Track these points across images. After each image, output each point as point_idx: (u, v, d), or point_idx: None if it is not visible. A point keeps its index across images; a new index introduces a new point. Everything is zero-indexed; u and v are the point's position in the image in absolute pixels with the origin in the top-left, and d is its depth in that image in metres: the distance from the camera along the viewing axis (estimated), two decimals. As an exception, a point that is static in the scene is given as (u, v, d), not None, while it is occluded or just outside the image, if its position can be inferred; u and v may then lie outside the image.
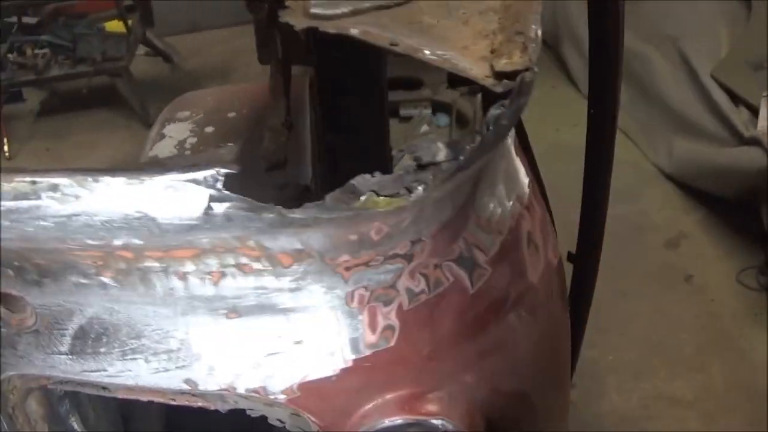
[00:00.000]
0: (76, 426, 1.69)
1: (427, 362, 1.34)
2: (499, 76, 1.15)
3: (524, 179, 1.49)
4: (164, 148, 2.20)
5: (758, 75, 4.60)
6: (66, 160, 6.14)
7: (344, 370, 1.33)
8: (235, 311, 1.31)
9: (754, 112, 4.37)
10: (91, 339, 1.39)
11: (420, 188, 1.10)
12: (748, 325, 4.28)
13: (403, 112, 5.74)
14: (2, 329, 1.41)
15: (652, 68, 5.39)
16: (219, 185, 1.08)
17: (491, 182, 1.36)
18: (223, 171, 1.07)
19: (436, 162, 1.12)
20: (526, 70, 1.13)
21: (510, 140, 1.45)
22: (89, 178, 1.11)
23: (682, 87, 5.07)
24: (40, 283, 1.33)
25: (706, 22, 5.09)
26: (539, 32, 1.21)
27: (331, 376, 1.33)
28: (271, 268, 1.23)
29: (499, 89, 1.13)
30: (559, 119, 5.60)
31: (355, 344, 1.31)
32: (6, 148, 6.19)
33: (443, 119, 5.76)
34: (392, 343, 1.31)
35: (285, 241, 1.16)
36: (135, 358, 1.39)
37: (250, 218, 1.09)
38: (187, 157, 1.14)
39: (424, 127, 5.48)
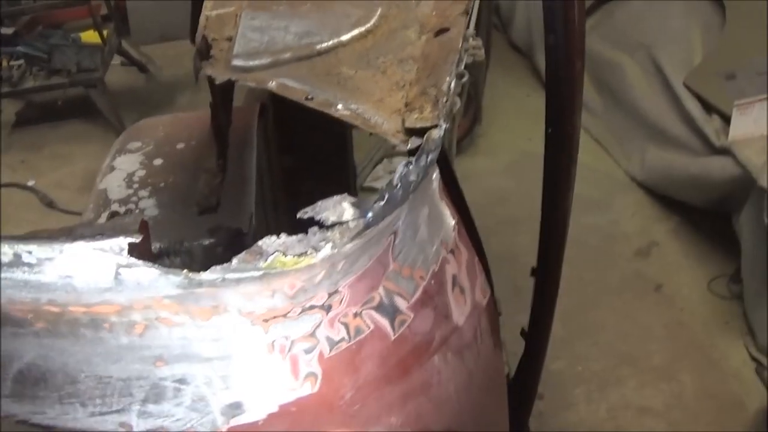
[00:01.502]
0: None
1: (351, 406, 1.36)
2: (410, 132, 1.18)
3: (449, 223, 1.51)
4: (113, 182, 2.21)
5: (730, 84, 4.62)
6: (41, 171, 6.14)
7: (271, 415, 1.35)
8: (161, 360, 1.34)
9: (727, 120, 4.39)
10: (30, 384, 1.42)
11: (327, 246, 1.12)
12: (719, 334, 4.30)
13: (374, 120, 5.70)
14: None
15: (625, 76, 5.41)
16: (124, 254, 1.10)
17: (412, 229, 1.39)
18: (128, 240, 1.10)
19: (342, 221, 1.14)
20: (435, 126, 1.15)
21: (435, 185, 1.48)
22: (16, 245, 1.14)
23: (655, 95, 5.09)
24: None
25: (679, 30, 5.12)
26: (452, 85, 1.23)
27: (257, 421, 1.36)
28: (190, 320, 1.25)
29: (405, 147, 1.15)
30: (531, 128, 5.59)
31: (279, 390, 1.34)
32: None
33: (416, 128, 5.74)
34: (315, 389, 1.34)
35: (198, 299, 1.19)
36: (72, 402, 1.42)
37: (159, 282, 1.12)
38: (95, 226, 1.16)
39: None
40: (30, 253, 1.12)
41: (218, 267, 1.11)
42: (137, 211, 1.96)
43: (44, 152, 6.48)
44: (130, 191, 2.17)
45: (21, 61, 6.41)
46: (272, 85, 1.28)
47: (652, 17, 5.38)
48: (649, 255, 4.90)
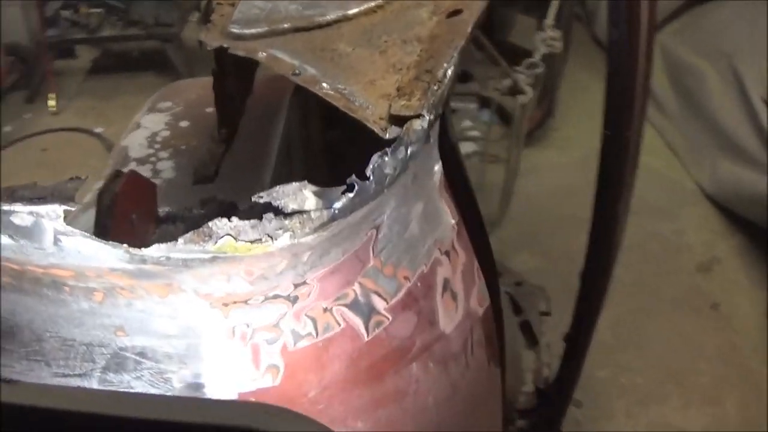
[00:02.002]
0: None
1: (314, 405, 1.28)
2: (394, 119, 1.08)
3: (447, 222, 1.41)
4: (136, 139, 2.16)
5: (810, 103, 4.41)
6: (110, 119, 6.20)
7: (229, 402, 1.28)
8: (122, 330, 1.28)
9: (803, 141, 4.17)
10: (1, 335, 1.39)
11: (285, 236, 1.04)
12: (771, 363, 4.11)
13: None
14: None
15: (705, 84, 5.20)
16: (60, 221, 1.03)
17: (401, 225, 1.29)
18: (64, 207, 1.03)
19: (303, 210, 1.05)
20: (418, 116, 1.05)
21: (436, 180, 1.37)
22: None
23: (733, 106, 4.88)
24: None
25: (764, 43, 4.87)
26: (449, 72, 1.13)
27: (216, 406, 1.29)
28: (147, 295, 1.18)
29: (385, 136, 1.06)
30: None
31: (239, 378, 1.27)
32: (53, 102, 6.26)
33: (487, 115, 5.64)
34: (277, 383, 1.26)
35: (150, 275, 1.11)
36: (37, 360, 1.38)
37: (101, 253, 1.05)
38: (37, 188, 1.10)
39: (466, 122, 5.36)
40: None
41: (162, 245, 1.04)
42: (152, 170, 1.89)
43: (115, 101, 6.53)
44: (151, 151, 2.11)
45: (100, 9, 6.46)
46: (261, 56, 1.20)
47: (739, 27, 5.15)
48: (710, 271, 4.71)
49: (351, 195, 1.05)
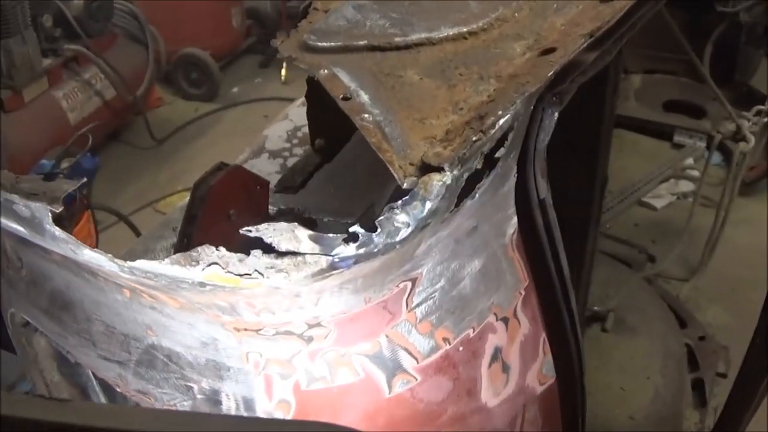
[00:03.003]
0: (86, 369, 1.74)
1: (323, 454, 1.19)
2: (424, 167, 0.96)
3: (512, 285, 1.26)
4: (276, 131, 2.11)
5: None
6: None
7: (244, 424, 1.22)
8: (151, 329, 1.25)
9: None
10: (58, 306, 1.41)
11: (279, 276, 0.95)
12: None
13: (677, 138, 5.28)
14: (10, 270, 1.49)
15: None
16: (48, 221, 1.01)
17: (449, 281, 1.16)
18: (49, 209, 1.00)
19: (297, 252, 0.95)
20: (439, 170, 0.93)
21: (507, 238, 1.22)
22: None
23: None
24: (22, 241, 1.37)
25: None
26: (500, 122, 0.99)
27: (232, 425, 1.23)
28: (165, 304, 1.14)
29: (403, 185, 0.94)
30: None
31: (250, 404, 1.20)
32: (284, 72, 6.35)
33: (716, 158, 5.24)
34: (288, 419, 1.18)
35: (154, 286, 1.06)
36: (86, 338, 1.39)
37: (100, 260, 1.01)
38: (37, 183, 1.08)
39: (689, 161, 5.01)
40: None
41: (148, 262, 0.98)
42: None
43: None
44: (287, 145, 2.07)
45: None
46: (322, 73, 1.11)
47: None
48: None
49: (354, 245, 0.94)
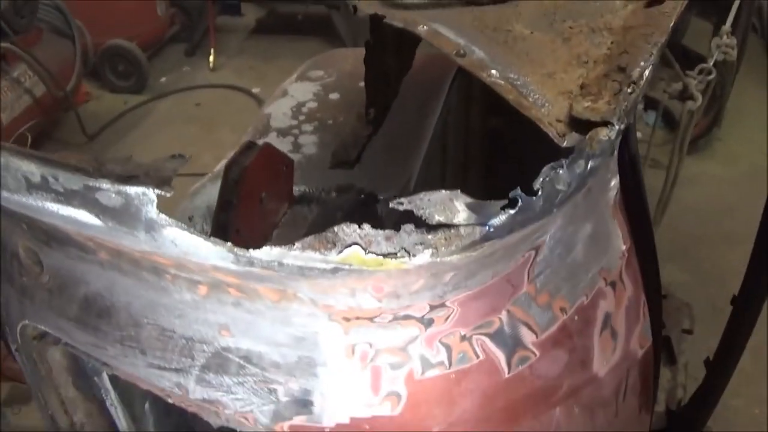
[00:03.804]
0: (104, 383, 1.60)
1: (436, 443, 1.09)
2: (574, 123, 0.87)
3: (617, 247, 1.18)
4: (280, 108, 2.00)
5: None
6: (267, 80, 6.13)
7: (339, 425, 1.11)
8: (227, 329, 1.12)
9: None
10: (94, 313, 1.27)
11: (426, 253, 0.84)
12: None
13: (613, 103, 5.35)
14: (23, 278, 1.34)
15: None
16: (151, 207, 0.86)
17: (564, 247, 1.08)
18: (157, 192, 0.85)
19: (451, 224, 0.84)
20: (605, 123, 0.83)
21: (610, 198, 1.15)
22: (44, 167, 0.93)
23: None
24: (48, 243, 1.23)
25: None
26: (647, 72, 0.90)
27: (324, 428, 1.11)
28: (257, 297, 1.01)
29: (563, 143, 0.84)
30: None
31: (354, 401, 1.09)
32: (212, 59, 6.28)
33: (652, 117, 5.32)
34: (396, 412, 1.08)
35: (259, 278, 0.94)
36: (132, 347, 1.25)
37: (201, 249, 0.87)
38: (130, 164, 0.92)
39: (628, 122, 5.06)
40: (56, 179, 0.90)
41: (275, 249, 0.85)
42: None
43: (275, 63, 6.46)
44: (294, 122, 1.96)
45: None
46: (422, 29, 1.00)
47: None
48: None
49: (512, 212, 0.84)
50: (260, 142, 1.89)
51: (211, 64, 6.31)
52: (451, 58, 0.97)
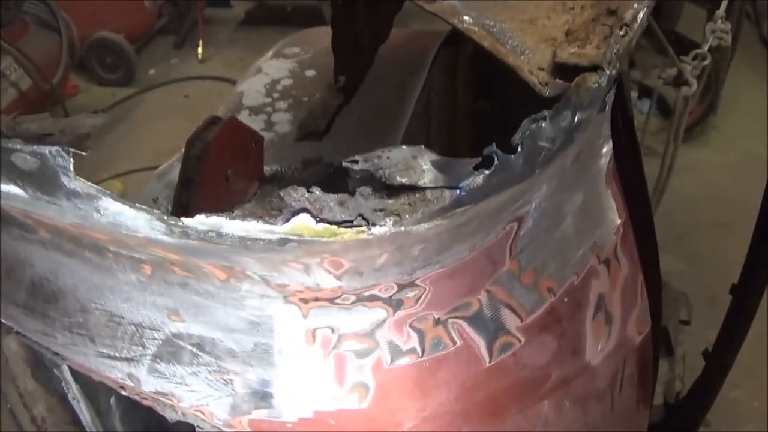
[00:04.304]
0: (65, 375, 1.49)
1: (408, 440, 0.97)
2: (559, 71, 0.76)
3: (612, 221, 1.07)
4: (253, 85, 1.89)
5: None
6: (256, 72, 6.04)
7: (302, 420, 1.01)
8: (176, 314, 1.00)
9: None
10: (41, 299, 1.17)
11: (387, 221, 0.72)
12: None
13: (608, 90, 5.26)
14: None
15: None
16: (69, 167, 0.74)
17: (551, 219, 0.96)
18: (72, 150, 0.73)
19: (417, 187, 0.73)
20: (594, 68, 0.72)
21: (603, 164, 1.03)
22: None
23: None
24: None
25: None
26: (641, 15, 0.79)
27: (285, 422, 1.01)
28: (203, 276, 0.90)
29: (545, 93, 0.73)
30: (769, 130, 5.00)
31: (317, 394, 0.97)
32: (200, 50, 6.19)
33: (646, 105, 5.22)
34: (364, 405, 0.97)
35: (201, 253, 0.82)
36: (81, 334, 1.16)
37: (130, 218, 0.76)
38: (47, 121, 0.80)
39: (620, 111, 4.97)
40: None
41: (210, 218, 0.74)
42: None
43: (264, 55, 6.36)
44: (268, 100, 1.84)
45: (257, -41, 6.33)
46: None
47: None
48: None
49: (487, 173, 0.73)
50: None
51: (199, 56, 6.22)
52: (418, 5, 0.85)
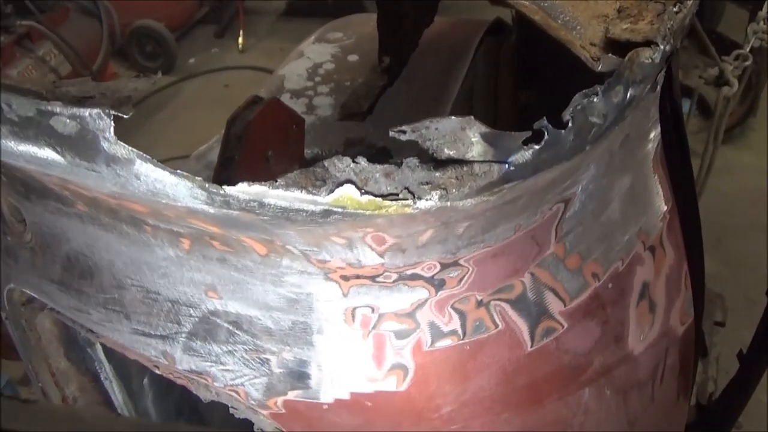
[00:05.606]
0: (98, 355, 1.49)
1: (447, 425, 0.96)
2: (612, 47, 0.73)
3: (658, 207, 1.04)
4: (295, 69, 1.88)
5: None
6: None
7: (338, 402, 0.99)
8: (214, 290, 0.99)
9: None
10: (77, 275, 1.15)
11: (434, 194, 0.70)
12: None
13: (648, 90, 5.22)
14: (7, 237, 1.24)
15: None
16: (110, 131, 0.73)
17: (598, 203, 0.94)
18: (112, 113, 0.72)
19: (464, 161, 0.71)
20: (648, 44, 0.70)
21: (651, 149, 1.00)
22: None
23: None
24: (28, 197, 1.12)
25: None
26: None
27: (322, 404, 0.99)
28: (243, 251, 0.89)
29: (597, 68, 0.71)
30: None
31: (354, 375, 0.96)
32: (241, 40, 6.20)
33: (686, 105, 5.16)
34: (402, 388, 0.95)
35: (242, 226, 0.81)
36: (116, 311, 1.14)
37: (170, 185, 0.75)
38: (87, 85, 0.78)
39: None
40: (10, 107, 0.76)
41: (253, 186, 0.73)
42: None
43: (306, 46, 6.38)
44: (309, 83, 1.83)
45: (304, -50, 6.33)
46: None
47: None
48: None
49: (537, 147, 0.70)
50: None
51: (240, 46, 6.23)
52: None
